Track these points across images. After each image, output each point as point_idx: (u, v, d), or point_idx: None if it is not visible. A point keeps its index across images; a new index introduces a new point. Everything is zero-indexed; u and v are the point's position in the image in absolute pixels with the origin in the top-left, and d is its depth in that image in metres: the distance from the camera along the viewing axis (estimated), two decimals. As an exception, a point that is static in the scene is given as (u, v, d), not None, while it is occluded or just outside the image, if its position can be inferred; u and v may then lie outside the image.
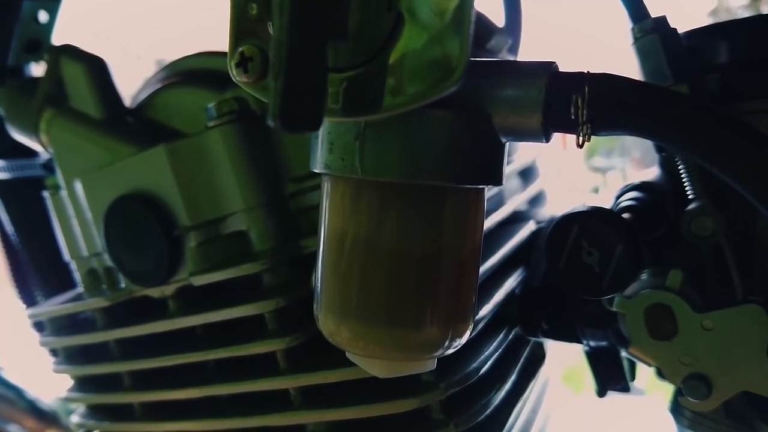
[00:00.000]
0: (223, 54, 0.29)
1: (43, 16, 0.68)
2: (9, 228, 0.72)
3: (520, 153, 0.57)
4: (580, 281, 0.40)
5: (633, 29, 0.44)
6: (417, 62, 0.26)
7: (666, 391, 0.47)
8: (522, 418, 0.52)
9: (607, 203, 0.49)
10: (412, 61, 0.26)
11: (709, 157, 0.27)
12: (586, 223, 0.40)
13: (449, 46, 0.25)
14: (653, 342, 0.42)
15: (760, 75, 0.42)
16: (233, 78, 0.28)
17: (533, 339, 0.54)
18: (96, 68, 0.51)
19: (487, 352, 0.45)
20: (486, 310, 0.44)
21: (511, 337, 0.50)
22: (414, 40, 0.26)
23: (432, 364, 0.34)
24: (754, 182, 0.26)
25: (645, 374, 0.48)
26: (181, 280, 0.47)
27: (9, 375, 0.80)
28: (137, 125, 0.51)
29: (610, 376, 0.51)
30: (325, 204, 0.31)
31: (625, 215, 0.45)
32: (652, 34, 0.43)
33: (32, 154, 0.71)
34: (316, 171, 0.30)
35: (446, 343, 0.31)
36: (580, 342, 0.50)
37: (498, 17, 0.57)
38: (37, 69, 0.70)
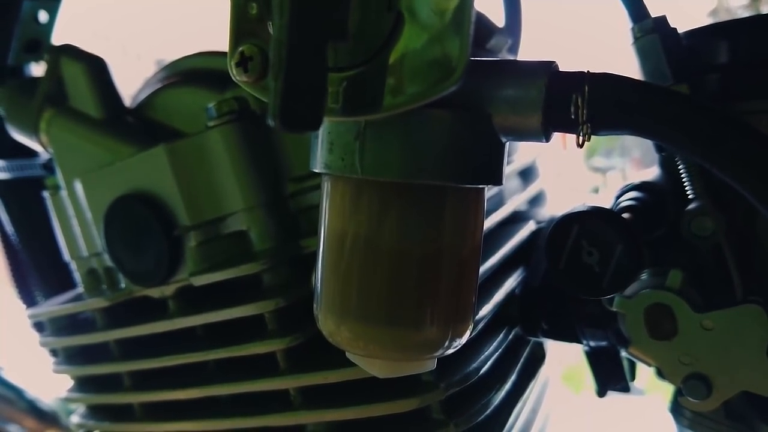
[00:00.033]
0: (223, 54, 0.29)
1: (43, 16, 0.68)
2: (9, 228, 0.72)
3: (520, 153, 0.57)
4: (580, 281, 0.40)
5: (633, 29, 0.44)
6: (417, 62, 0.26)
7: (666, 391, 0.47)
8: (522, 418, 0.52)
9: (607, 203, 0.49)
10: (412, 60, 0.26)
11: (709, 157, 0.27)
12: (587, 223, 0.40)
13: (449, 45, 0.25)
14: (653, 342, 0.42)
15: (760, 75, 0.42)
16: (233, 78, 0.28)
17: (533, 339, 0.54)
18: (96, 68, 0.51)
19: (487, 352, 0.45)
20: (486, 310, 0.44)
21: (511, 337, 0.50)
22: (414, 40, 0.26)
23: (432, 364, 0.34)
24: (754, 182, 0.26)
25: (645, 374, 0.48)
26: (181, 280, 0.47)
27: (9, 375, 0.80)
28: (137, 125, 0.51)
29: (610, 376, 0.51)
30: (325, 204, 0.31)
31: (625, 215, 0.45)
32: (652, 33, 0.43)
33: (32, 154, 0.71)
34: (316, 171, 0.30)
35: (446, 343, 0.31)
36: (580, 342, 0.50)
37: (498, 17, 0.57)
38: (37, 69, 0.70)
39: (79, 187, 0.51)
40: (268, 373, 0.44)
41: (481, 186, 0.30)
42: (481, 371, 0.44)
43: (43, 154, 0.68)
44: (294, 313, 0.43)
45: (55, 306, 0.57)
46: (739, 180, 0.27)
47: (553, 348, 0.58)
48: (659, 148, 0.47)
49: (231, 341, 0.45)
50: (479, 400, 0.44)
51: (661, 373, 0.43)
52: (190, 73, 0.51)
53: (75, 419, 0.58)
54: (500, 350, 0.47)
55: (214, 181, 0.44)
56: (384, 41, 0.26)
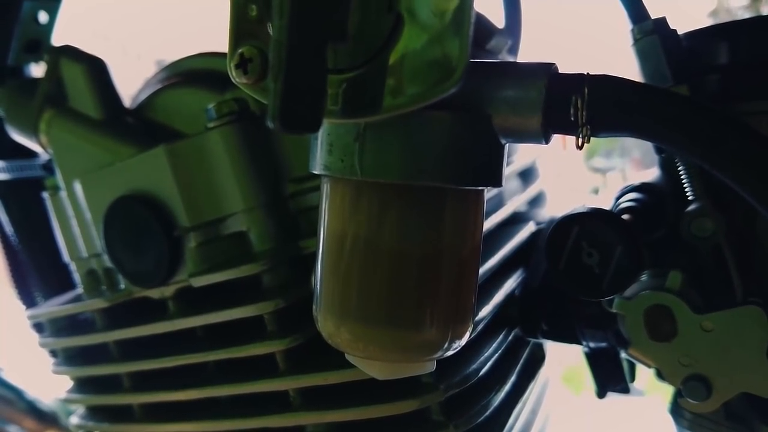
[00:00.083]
0: (223, 55, 0.29)
1: (43, 17, 0.68)
2: (9, 228, 0.72)
3: (520, 154, 0.57)
4: (579, 282, 0.40)
5: (633, 30, 0.44)
6: (417, 63, 0.26)
7: (666, 392, 0.47)
8: (522, 419, 0.52)
9: (607, 204, 0.49)
10: (411, 62, 0.26)
11: (709, 158, 0.27)
12: (586, 224, 0.40)
13: (449, 47, 0.25)
14: (653, 343, 0.42)
15: (760, 76, 0.42)
16: (233, 79, 0.28)
17: (533, 340, 0.54)
18: (96, 69, 0.51)
19: (486, 354, 0.45)
20: (486, 311, 0.44)
21: (510, 338, 0.50)
22: (414, 41, 0.26)
23: (432, 366, 0.33)
24: (754, 183, 0.26)
25: (645, 375, 0.48)
26: (180, 281, 0.47)
27: (9, 376, 0.80)
28: (137, 126, 0.51)
29: (610, 377, 0.51)
30: (325, 205, 0.31)
31: (625, 216, 0.45)
32: (652, 35, 0.43)
33: (32, 154, 0.71)
34: (316, 172, 0.30)
35: (446, 345, 0.31)
36: (579, 343, 0.50)
37: (498, 18, 0.57)
38: (37, 69, 0.70)
39: (78, 187, 0.51)
40: (268, 374, 0.44)
41: (480, 187, 0.30)
42: (481, 372, 0.44)
43: (43, 155, 0.68)
44: (294, 314, 0.43)
45: (54, 307, 0.57)
46: (739, 181, 0.27)
47: (553, 349, 0.58)
48: (659, 150, 0.47)
49: (231, 342, 0.45)
50: (479, 401, 0.44)
51: (660, 375, 0.43)
52: (191, 74, 0.51)
53: (74, 420, 0.58)
54: (500, 351, 0.47)
55: (213, 182, 0.44)
56: (384, 42, 0.26)
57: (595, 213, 0.40)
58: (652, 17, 0.43)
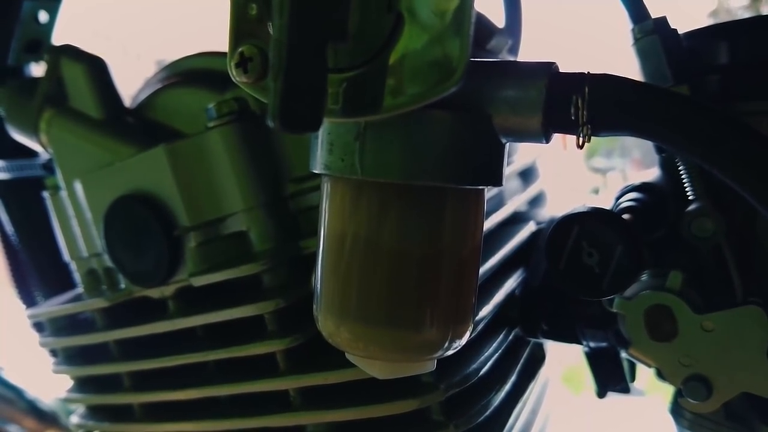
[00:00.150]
0: (223, 54, 0.29)
1: (43, 16, 0.68)
2: (9, 228, 0.72)
3: (520, 153, 0.57)
4: (580, 282, 0.40)
5: (633, 30, 0.44)
6: (417, 63, 0.26)
7: (666, 392, 0.47)
8: (522, 419, 0.52)
9: (608, 204, 0.49)
10: (412, 61, 0.26)
11: (710, 158, 0.27)
12: (587, 224, 0.40)
13: (449, 46, 0.25)
14: (653, 343, 0.42)
15: (761, 76, 0.42)
16: (233, 78, 0.28)
17: (533, 340, 0.54)
18: (96, 68, 0.51)
19: (486, 353, 0.45)
20: (486, 311, 0.44)
21: (510, 338, 0.50)
22: (414, 41, 0.26)
23: (432, 365, 0.33)
24: (755, 183, 0.26)
25: (645, 375, 0.48)
26: (180, 280, 0.47)
27: (9, 375, 0.80)
28: (137, 125, 0.51)
29: (610, 377, 0.51)
30: (325, 205, 0.31)
31: (626, 216, 0.45)
32: (652, 35, 0.43)
33: (32, 154, 0.71)
34: (316, 172, 0.30)
35: (446, 344, 0.31)
36: (580, 343, 0.50)
37: (498, 17, 0.57)
38: (37, 69, 0.70)
39: (79, 187, 0.51)
40: (268, 373, 0.44)
41: (481, 187, 0.30)
42: (481, 372, 0.44)
43: (43, 155, 0.68)
44: (294, 313, 0.43)
45: (54, 306, 0.57)
46: (740, 181, 0.27)
47: (553, 349, 0.58)
48: (659, 149, 0.47)
49: (231, 342, 0.45)
50: (479, 401, 0.44)
51: (661, 375, 0.43)
52: (191, 74, 0.51)
53: (75, 419, 0.58)
54: (500, 351, 0.47)
55: (214, 182, 0.44)
56: (384, 42, 0.26)
57: (596, 213, 0.40)
58: (653, 17, 0.43)
